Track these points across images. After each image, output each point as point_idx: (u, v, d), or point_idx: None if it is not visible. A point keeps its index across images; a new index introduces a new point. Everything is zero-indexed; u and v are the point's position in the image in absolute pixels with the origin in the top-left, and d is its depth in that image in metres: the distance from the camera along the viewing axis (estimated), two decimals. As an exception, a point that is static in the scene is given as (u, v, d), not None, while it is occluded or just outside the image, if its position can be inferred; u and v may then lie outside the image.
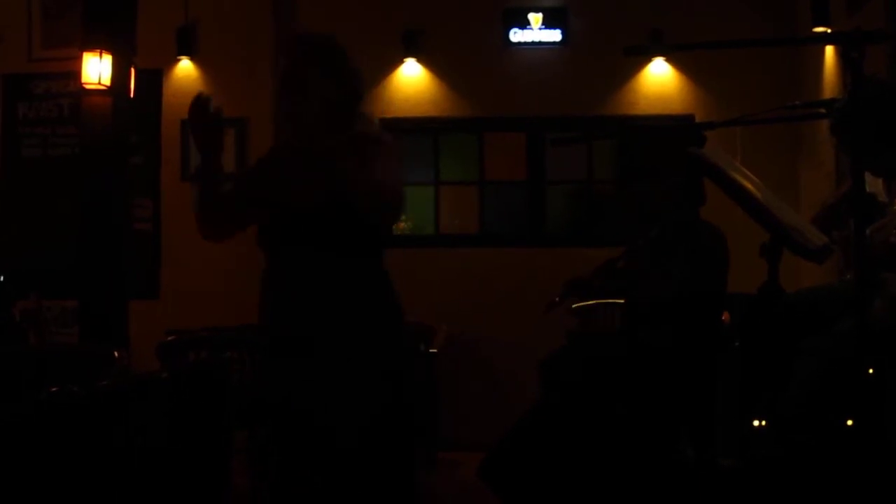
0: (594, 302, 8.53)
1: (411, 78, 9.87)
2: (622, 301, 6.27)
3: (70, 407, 4.74)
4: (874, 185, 4.73)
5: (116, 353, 6.65)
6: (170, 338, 7.28)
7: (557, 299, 6.23)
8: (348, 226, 3.78)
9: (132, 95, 8.18)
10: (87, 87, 7.87)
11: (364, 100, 4.07)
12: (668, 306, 5.62)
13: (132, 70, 8.13)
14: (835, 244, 4.55)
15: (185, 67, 9.86)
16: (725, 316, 5.76)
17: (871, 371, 3.87)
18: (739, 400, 5.12)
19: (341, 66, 3.95)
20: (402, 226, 10.00)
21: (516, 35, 9.88)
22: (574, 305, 8.61)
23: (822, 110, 3.75)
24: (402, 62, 9.81)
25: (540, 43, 9.89)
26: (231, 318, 7.58)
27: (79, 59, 7.91)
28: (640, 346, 5.58)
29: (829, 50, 8.42)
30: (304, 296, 3.84)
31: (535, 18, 9.86)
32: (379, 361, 3.82)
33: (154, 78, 9.74)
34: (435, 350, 8.32)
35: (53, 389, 4.80)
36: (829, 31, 8.18)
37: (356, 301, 3.83)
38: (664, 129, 9.65)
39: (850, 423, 4.14)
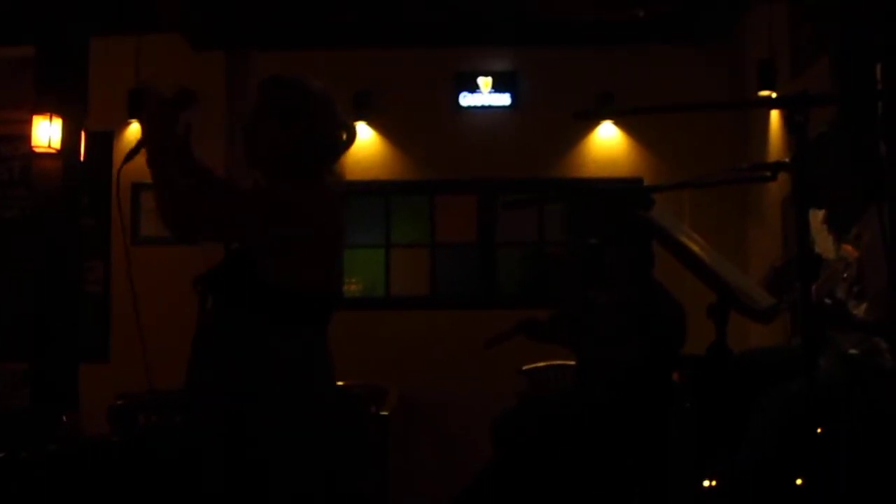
0: (544, 364, 8.58)
1: (362, 141, 9.89)
2: (572, 362, 6.30)
3: (19, 471, 4.70)
4: (824, 243, 4.80)
5: (65, 417, 6.61)
6: (119, 402, 7.23)
7: (503, 334, 6.23)
8: (236, 275, 3.58)
9: (83, 158, 8.18)
10: (38, 150, 7.87)
11: (337, 153, 3.82)
12: (626, 368, 5.65)
13: (83, 133, 8.14)
14: (785, 307, 4.60)
15: (137, 130, 9.83)
16: (676, 375, 5.79)
17: (820, 430, 3.91)
18: (692, 459, 5.15)
19: (295, 109, 3.73)
20: (354, 287, 10.01)
21: (466, 99, 9.96)
22: (524, 367, 8.66)
23: (769, 173, 3.79)
24: (352, 125, 9.84)
25: (490, 107, 9.97)
26: (183, 382, 7.53)
27: (29, 123, 7.91)
28: (591, 406, 5.60)
29: (775, 113, 8.52)
30: (195, 348, 3.64)
31: (486, 82, 9.95)
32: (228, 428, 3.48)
33: (105, 140, 9.72)
34: (386, 412, 8.31)
35: (2, 454, 4.77)
36: (773, 94, 8.29)
37: (222, 357, 3.54)
38: (613, 191, 9.72)
39: (799, 481, 4.17)
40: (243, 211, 3.61)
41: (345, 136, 3.85)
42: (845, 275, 4.71)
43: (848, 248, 4.73)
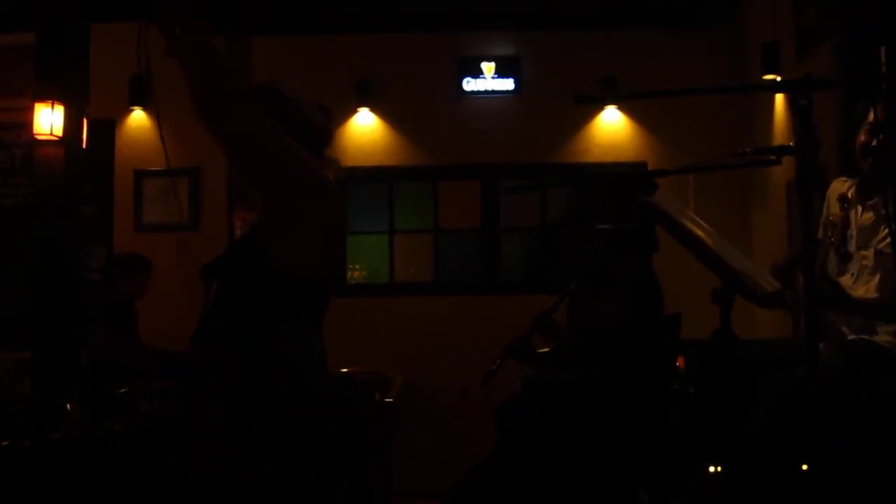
0: (548, 350, 8.54)
1: (365, 127, 9.89)
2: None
3: (22, 460, 4.69)
4: (835, 210, 4.83)
5: (69, 406, 6.60)
6: (122, 389, 7.21)
7: (494, 367, 6.26)
8: (242, 262, 3.61)
9: (85, 145, 8.16)
10: (39, 137, 7.85)
11: (326, 137, 3.95)
12: (601, 344, 5.66)
13: (84, 120, 8.12)
14: (789, 305, 4.61)
15: (138, 117, 9.85)
16: (680, 361, 5.78)
17: (822, 416, 3.89)
18: (694, 445, 5.13)
19: (278, 107, 3.76)
20: (357, 274, 10.00)
21: (470, 84, 9.93)
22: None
23: (773, 157, 3.78)
24: (355, 111, 9.84)
25: (493, 92, 9.94)
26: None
27: (30, 110, 7.89)
28: (594, 392, 5.59)
29: (780, 96, 8.50)
30: (196, 335, 3.64)
31: (488, 67, 9.92)
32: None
33: (107, 128, 9.72)
34: (391, 399, 8.29)
35: (5, 443, 4.76)
36: (778, 78, 8.26)
37: (214, 343, 3.58)
38: (617, 176, 9.71)
39: (804, 467, 4.16)
40: (270, 129, 3.58)
41: (325, 119, 3.98)
42: (832, 239, 4.73)
43: (835, 211, 4.77)
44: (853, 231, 4.74)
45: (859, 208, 4.75)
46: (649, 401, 5.49)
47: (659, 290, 5.98)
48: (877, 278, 4.59)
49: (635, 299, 5.80)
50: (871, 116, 4.66)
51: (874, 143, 4.62)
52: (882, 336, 4.53)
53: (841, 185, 4.89)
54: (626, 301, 5.79)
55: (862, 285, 4.64)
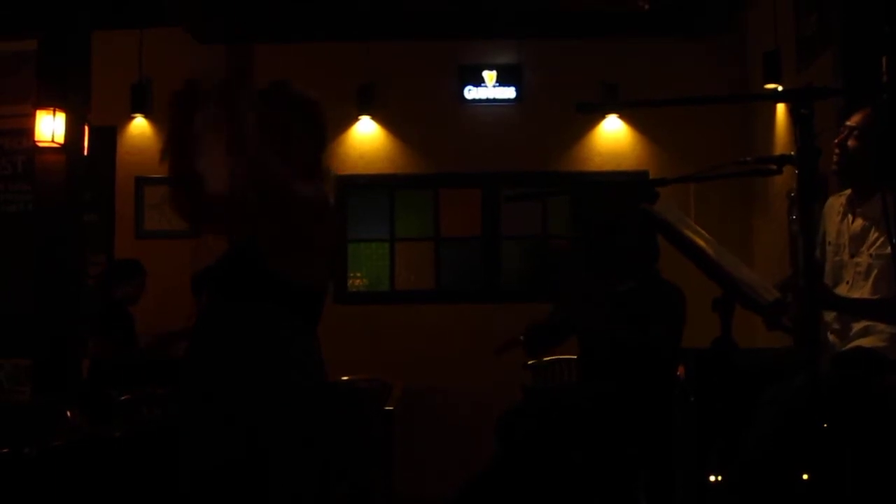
0: (549, 359, 8.55)
1: (366, 135, 9.88)
2: (575, 357, 6.28)
3: (22, 467, 4.69)
4: (833, 227, 4.84)
5: (69, 412, 6.59)
6: (123, 396, 7.21)
7: (513, 342, 6.23)
8: (240, 269, 3.66)
9: (86, 153, 8.17)
10: (41, 144, 7.86)
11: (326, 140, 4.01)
12: (628, 359, 5.63)
13: (86, 127, 8.13)
14: (787, 324, 4.63)
15: (140, 125, 9.85)
16: (680, 370, 5.77)
17: (825, 425, 3.89)
18: (695, 453, 5.13)
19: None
20: (358, 282, 9.99)
21: (471, 92, 9.93)
22: (529, 362, 8.63)
23: (774, 166, 3.77)
24: (356, 119, 9.83)
25: (494, 100, 9.94)
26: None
27: (32, 117, 7.89)
28: (596, 399, 5.57)
29: (781, 105, 8.50)
30: (192, 341, 3.69)
31: (490, 76, 9.92)
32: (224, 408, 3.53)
33: (108, 135, 9.72)
34: (391, 407, 8.29)
35: (5, 450, 4.75)
36: (779, 87, 8.27)
37: (216, 346, 3.61)
38: (618, 185, 9.70)
39: (805, 476, 4.16)
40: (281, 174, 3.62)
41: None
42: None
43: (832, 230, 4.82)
44: (845, 240, 4.76)
45: (850, 217, 4.78)
46: (651, 408, 5.48)
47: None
48: (870, 282, 4.61)
49: (676, 320, 5.77)
50: (854, 120, 4.72)
51: (849, 143, 4.69)
52: (876, 341, 4.55)
53: (836, 201, 4.91)
54: (672, 321, 5.75)
55: (856, 291, 4.66)
